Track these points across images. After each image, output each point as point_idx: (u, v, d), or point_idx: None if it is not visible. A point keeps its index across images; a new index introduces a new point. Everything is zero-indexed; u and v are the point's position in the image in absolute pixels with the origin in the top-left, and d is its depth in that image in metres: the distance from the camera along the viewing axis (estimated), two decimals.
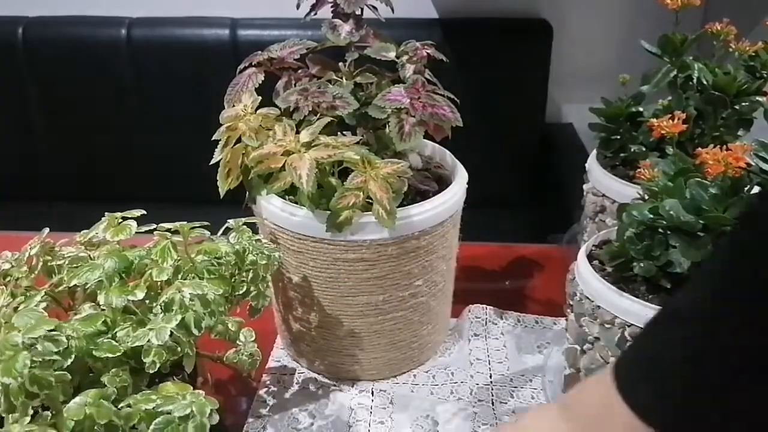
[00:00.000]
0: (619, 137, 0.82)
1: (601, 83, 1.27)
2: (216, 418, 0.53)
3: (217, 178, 0.71)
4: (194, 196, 1.29)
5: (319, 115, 0.70)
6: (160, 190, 1.75)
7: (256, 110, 0.71)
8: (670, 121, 0.68)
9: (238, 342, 0.66)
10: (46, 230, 0.66)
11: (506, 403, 0.75)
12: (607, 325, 0.62)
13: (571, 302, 0.70)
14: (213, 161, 0.71)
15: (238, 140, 0.70)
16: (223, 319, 0.61)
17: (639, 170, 0.65)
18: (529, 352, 0.82)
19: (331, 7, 0.73)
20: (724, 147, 0.60)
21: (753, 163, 0.58)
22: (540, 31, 1.75)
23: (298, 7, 0.72)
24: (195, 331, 0.56)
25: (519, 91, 1.77)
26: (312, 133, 0.68)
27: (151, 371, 0.55)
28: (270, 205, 0.70)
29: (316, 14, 0.74)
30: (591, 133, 0.84)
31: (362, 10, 0.73)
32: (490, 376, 0.79)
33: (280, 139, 0.68)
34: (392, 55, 0.73)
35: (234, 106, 0.72)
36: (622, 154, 0.82)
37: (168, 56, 1.73)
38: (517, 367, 0.80)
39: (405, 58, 0.72)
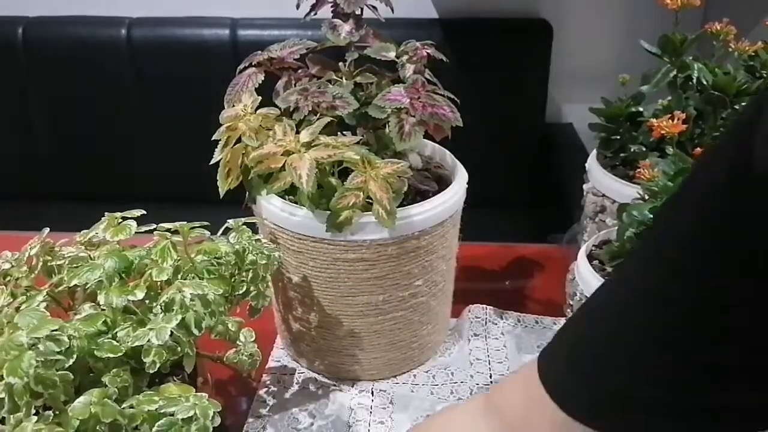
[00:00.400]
0: (619, 137, 0.82)
1: (601, 83, 1.27)
2: (218, 420, 0.53)
3: (217, 178, 0.71)
4: (194, 196, 1.29)
5: (319, 115, 0.70)
6: (160, 190, 1.75)
7: (256, 110, 0.71)
8: (670, 121, 0.68)
9: (238, 342, 0.66)
10: (46, 230, 0.66)
11: None
12: None
13: (571, 302, 0.70)
14: (213, 161, 0.71)
15: (238, 140, 0.70)
16: (223, 319, 0.61)
17: (639, 170, 0.65)
18: (529, 352, 0.82)
19: (331, 7, 0.73)
20: None
21: None
22: (540, 31, 1.75)
23: (298, 7, 0.72)
24: (195, 331, 0.56)
25: (519, 91, 1.77)
26: (312, 133, 0.68)
27: (152, 371, 0.55)
28: (270, 205, 0.70)
29: (316, 14, 0.74)
30: (591, 133, 0.84)
31: (362, 10, 0.73)
32: (490, 376, 0.79)
33: (280, 139, 0.68)
34: (392, 55, 0.73)
35: (234, 106, 0.72)
36: (622, 154, 0.82)
37: (168, 56, 1.73)
38: (517, 366, 0.80)
39: (405, 58, 0.72)
